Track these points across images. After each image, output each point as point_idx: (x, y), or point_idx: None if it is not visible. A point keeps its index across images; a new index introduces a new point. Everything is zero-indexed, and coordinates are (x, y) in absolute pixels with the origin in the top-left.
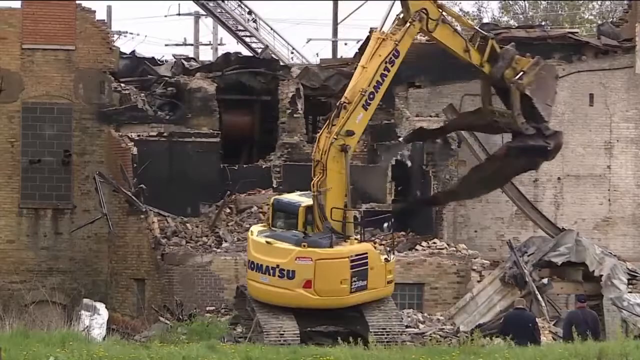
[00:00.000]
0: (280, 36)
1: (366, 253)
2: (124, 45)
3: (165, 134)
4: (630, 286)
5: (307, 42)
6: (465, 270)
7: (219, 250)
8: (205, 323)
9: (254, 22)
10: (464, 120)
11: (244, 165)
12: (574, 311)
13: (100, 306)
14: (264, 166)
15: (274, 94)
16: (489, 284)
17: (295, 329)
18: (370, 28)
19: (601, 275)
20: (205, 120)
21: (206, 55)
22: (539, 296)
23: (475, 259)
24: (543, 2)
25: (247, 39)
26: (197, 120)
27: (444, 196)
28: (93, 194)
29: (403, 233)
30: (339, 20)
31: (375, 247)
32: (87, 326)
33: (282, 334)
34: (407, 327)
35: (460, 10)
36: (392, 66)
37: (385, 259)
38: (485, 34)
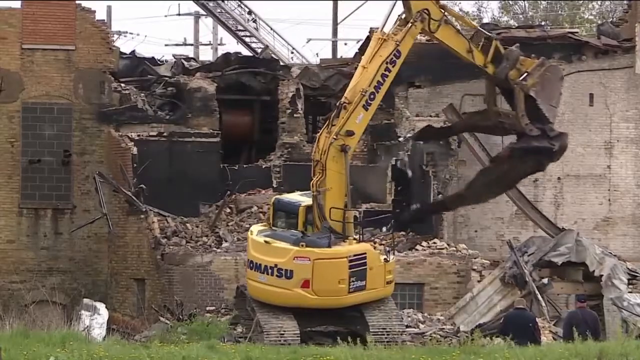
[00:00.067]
0: (280, 36)
1: (365, 253)
2: (124, 45)
3: (165, 134)
4: (630, 286)
5: (307, 42)
6: (465, 270)
7: (219, 250)
8: (205, 323)
9: (254, 22)
10: (470, 120)
11: (244, 165)
12: (574, 311)
13: (100, 306)
14: (264, 166)
15: (274, 94)
16: (489, 284)
17: (296, 329)
18: (370, 28)
19: (601, 275)
20: (205, 120)
21: (206, 55)
22: (539, 296)
23: (475, 259)
24: (543, 2)
25: (247, 39)
26: (197, 120)
27: (452, 201)
28: (93, 194)
29: (403, 233)
30: (339, 20)
31: (375, 248)
32: (87, 326)
33: (282, 334)
34: (407, 327)
35: (460, 10)
36: (393, 66)
37: (385, 259)
38: (489, 34)
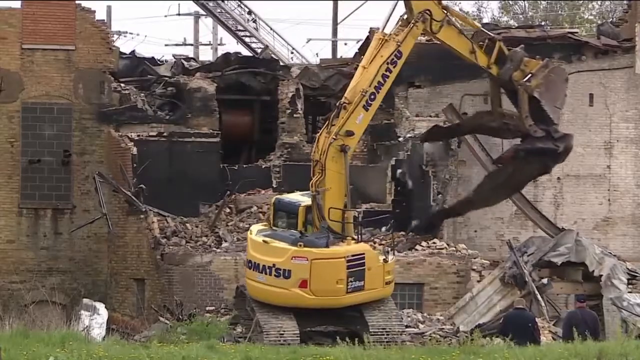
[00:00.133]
0: (280, 36)
1: (363, 253)
2: (124, 45)
3: (165, 134)
4: (630, 286)
5: (307, 42)
6: (465, 270)
7: (218, 250)
8: (205, 323)
9: (253, 22)
10: (478, 121)
11: (244, 165)
12: (574, 311)
13: (100, 306)
14: (263, 166)
15: (274, 94)
16: (489, 284)
17: (295, 329)
18: (370, 28)
19: (601, 275)
20: (205, 120)
21: (206, 55)
22: (538, 296)
23: (475, 259)
24: (543, 2)
25: (247, 39)
26: (197, 120)
27: (461, 206)
28: (93, 194)
29: (403, 233)
30: (339, 20)
31: (374, 248)
32: (87, 326)
33: (282, 334)
34: (407, 327)
35: (461, 10)
36: (394, 67)
37: (384, 259)
38: (493, 35)
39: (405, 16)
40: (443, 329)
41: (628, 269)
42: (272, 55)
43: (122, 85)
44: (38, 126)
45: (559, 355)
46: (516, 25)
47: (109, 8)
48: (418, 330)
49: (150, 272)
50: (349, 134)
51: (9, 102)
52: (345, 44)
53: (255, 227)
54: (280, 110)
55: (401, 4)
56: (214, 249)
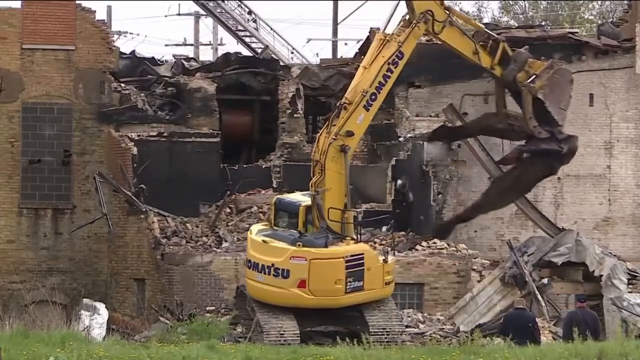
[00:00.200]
0: (280, 36)
1: (362, 254)
2: (124, 45)
3: (165, 134)
4: (630, 286)
5: (307, 42)
6: (465, 270)
7: (219, 250)
8: (205, 323)
9: (254, 22)
10: (486, 122)
11: (244, 165)
12: (574, 311)
13: (100, 306)
14: (264, 166)
15: (274, 94)
16: (489, 284)
17: (295, 329)
18: (370, 28)
19: (601, 275)
20: (205, 120)
21: (206, 55)
22: (539, 296)
23: (475, 259)
24: (543, 2)
25: (247, 39)
26: (197, 120)
27: (471, 212)
28: (93, 194)
29: (403, 233)
30: (339, 20)
31: (375, 248)
32: (87, 326)
33: (282, 334)
34: (407, 327)
35: (461, 10)
36: (395, 67)
37: (384, 260)
38: (497, 36)
39: (407, 17)
40: (443, 329)
41: (628, 269)
42: (272, 55)
43: (122, 85)
44: (38, 126)
45: (559, 355)
46: (516, 25)
47: (109, 8)
48: (418, 330)
49: (151, 272)
50: (349, 134)
51: (9, 102)
52: (346, 44)
53: (255, 227)
54: (280, 110)
55: (402, 5)
56: (214, 249)
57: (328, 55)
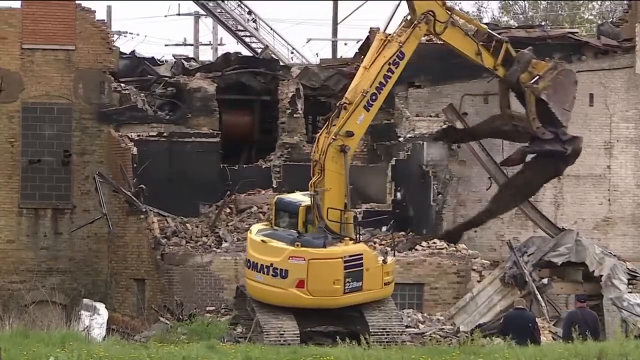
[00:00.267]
0: (280, 36)
1: (361, 254)
2: (124, 45)
3: (165, 134)
4: (630, 286)
5: (307, 42)
6: (465, 270)
7: (219, 250)
8: (205, 323)
9: (253, 22)
10: (493, 124)
11: (244, 165)
12: (574, 311)
13: (100, 306)
14: (264, 166)
15: (274, 94)
16: (489, 284)
17: (295, 329)
18: (370, 28)
19: (601, 275)
20: (205, 120)
21: (206, 55)
22: (539, 296)
23: (475, 259)
24: (543, 2)
25: (247, 39)
26: (197, 120)
27: (481, 217)
28: (93, 194)
29: (403, 233)
30: (339, 20)
31: (375, 248)
32: (87, 326)
33: (282, 334)
34: (407, 327)
35: (460, 10)
36: (396, 68)
37: (383, 260)
38: (500, 37)
39: (409, 17)
40: (443, 329)
41: (628, 269)
42: (272, 55)
43: (122, 85)
44: (38, 126)
45: (559, 355)
46: (516, 25)
47: (109, 8)
48: (418, 330)
49: (151, 272)
50: (349, 134)
51: (9, 102)
52: (345, 44)
53: (255, 227)
54: (280, 110)
55: (404, 5)
56: (214, 249)
57: (328, 55)
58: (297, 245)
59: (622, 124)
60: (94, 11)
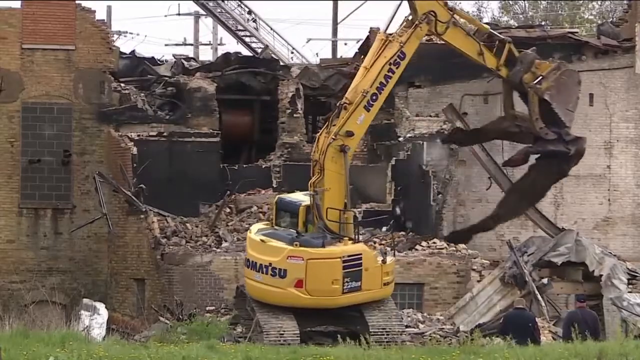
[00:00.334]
0: (280, 36)
1: (360, 254)
2: (124, 45)
3: (165, 134)
4: (630, 286)
5: (307, 42)
6: (465, 270)
7: (218, 250)
8: (205, 323)
9: (254, 22)
10: (499, 126)
11: (244, 165)
12: (574, 311)
13: (100, 306)
14: (264, 166)
15: (274, 94)
16: (489, 283)
17: (295, 329)
18: (370, 28)
19: (601, 275)
20: (205, 120)
21: (206, 55)
22: (538, 296)
23: (475, 258)
24: (543, 2)
25: (247, 39)
26: (197, 120)
27: (490, 222)
28: (93, 194)
29: (403, 233)
30: (339, 20)
31: (375, 248)
32: (87, 326)
33: (282, 334)
34: (407, 327)
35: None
36: (396, 68)
37: (382, 260)
38: (502, 37)
39: (410, 17)
40: (443, 329)
41: (628, 269)
42: (272, 55)
43: (122, 85)
44: (38, 126)
45: (559, 355)
46: (516, 25)
47: (109, 8)
48: (418, 330)
49: (151, 272)
50: (349, 134)
51: (9, 102)
52: (345, 44)
53: (255, 226)
54: (280, 110)
55: (404, 5)
56: (214, 249)
57: (328, 55)
58: (296, 245)
59: (622, 124)
60: (94, 11)
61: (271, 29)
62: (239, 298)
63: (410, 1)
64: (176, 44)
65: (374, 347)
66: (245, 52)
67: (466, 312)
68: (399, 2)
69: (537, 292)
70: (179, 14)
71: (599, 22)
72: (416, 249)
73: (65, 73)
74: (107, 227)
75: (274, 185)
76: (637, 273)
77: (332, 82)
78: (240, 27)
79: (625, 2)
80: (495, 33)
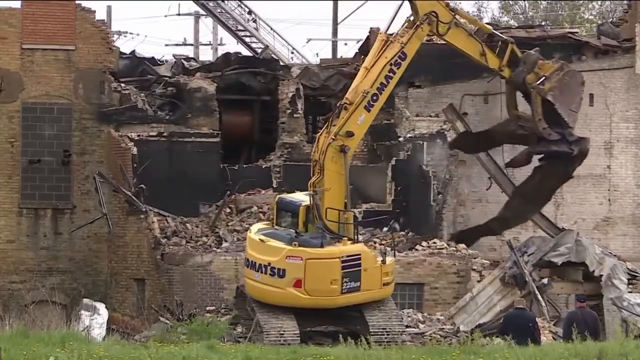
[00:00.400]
0: (280, 36)
1: (359, 254)
2: (124, 45)
3: (165, 134)
4: (630, 286)
5: (307, 42)
6: (465, 270)
7: (219, 250)
8: (205, 323)
9: (254, 22)
10: (506, 128)
11: (244, 165)
12: (574, 311)
13: (100, 306)
14: (264, 166)
15: (274, 94)
16: (489, 284)
17: (295, 329)
18: (370, 28)
19: (601, 275)
20: (205, 120)
21: (206, 55)
22: (539, 296)
23: (475, 259)
24: (543, 2)
25: (247, 39)
26: (197, 120)
27: (497, 225)
28: (93, 194)
29: (403, 233)
30: (339, 20)
31: (375, 248)
32: (87, 326)
33: (282, 334)
34: (407, 327)
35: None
36: (397, 68)
37: (382, 260)
38: (505, 37)
39: (411, 17)
40: (443, 329)
41: (628, 269)
42: (272, 55)
43: (122, 85)
44: (38, 126)
45: (559, 355)
46: (516, 25)
47: (109, 8)
48: (418, 330)
49: (151, 272)
50: (349, 134)
51: (9, 102)
52: (345, 44)
53: (255, 226)
54: (280, 110)
55: (406, 5)
56: (214, 249)
57: (328, 55)
58: (295, 244)
59: (622, 124)
60: (94, 11)
61: (271, 29)
62: (239, 298)
63: (411, 1)
64: (176, 44)
65: (374, 347)
66: (245, 52)
67: (466, 312)
68: (399, 2)
69: (537, 292)
70: (179, 14)
71: (599, 22)
72: (416, 249)
73: (65, 73)
74: (107, 227)
75: (274, 186)
76: (637, 273)
77: (332, 83)
78: (240, 27)
79: (625, 2)
80: (498, 34)
